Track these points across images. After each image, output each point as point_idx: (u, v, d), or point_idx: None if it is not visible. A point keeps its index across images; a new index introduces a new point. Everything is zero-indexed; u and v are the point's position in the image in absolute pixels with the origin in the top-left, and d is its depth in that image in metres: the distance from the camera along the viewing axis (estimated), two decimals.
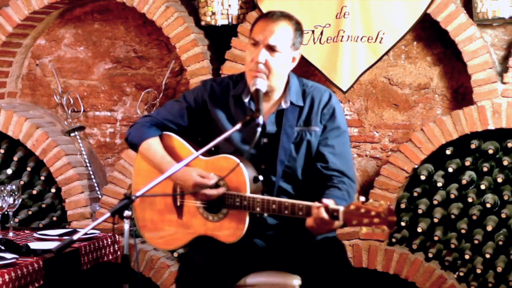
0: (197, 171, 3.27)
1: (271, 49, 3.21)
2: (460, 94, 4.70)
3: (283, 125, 3.30)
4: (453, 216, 4.51)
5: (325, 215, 2.96)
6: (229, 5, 4.79)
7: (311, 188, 3.29)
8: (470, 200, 4.48)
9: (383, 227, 2.85)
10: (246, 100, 3.34)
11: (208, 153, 3.26)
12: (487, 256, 4.43)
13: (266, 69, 3.22)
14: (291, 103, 3.32)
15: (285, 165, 3.31)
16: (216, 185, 3.24)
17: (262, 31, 3.22)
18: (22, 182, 5.19)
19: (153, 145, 3.41)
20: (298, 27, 3.29)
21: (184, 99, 3.45)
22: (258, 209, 3.16)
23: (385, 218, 2.84)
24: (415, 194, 4.61)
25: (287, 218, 3.21)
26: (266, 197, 3.17)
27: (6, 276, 3.09)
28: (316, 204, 3.01)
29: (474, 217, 4.48)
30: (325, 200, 3.00)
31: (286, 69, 3.30)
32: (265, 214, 3.26)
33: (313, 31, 4.65)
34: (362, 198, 2.92)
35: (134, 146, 3.47)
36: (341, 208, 2.94)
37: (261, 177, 3.26)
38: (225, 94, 3.40)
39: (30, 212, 5.18)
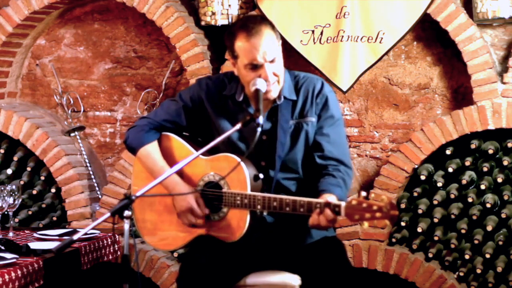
0: (197, 200, 3.28)
1: (271, 61, 3.24)
2: (460, 94, 4.70)
3: (278, 120, 3.31)
4: (453, 216, 4.51)
5: (331, 214, 2.97)
6: (229, 5, 4.79)
7: (312, 183, 3.29)
8: (470, 200, 4.47)
9: (385, 222, 2.86)
10: (240, 99, 3.35)
11: (208, 152, 3.26)
12: (487, 256, 4.43)
13: (275, 77, 3.25)
14: (285, 97, 3.33)
15: (285, 159, 3.31)
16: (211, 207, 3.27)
17: (257, 53, 3.20)
18: (22, 182, 5.19)
19: (152, 152, 3.41)
20: (272, 23, 3.30)
21: (180, 98, 3.45)
22: (259, 206, 3.16)
23: (387, 212, 2.84)
24: (415, 194, 4.61)
25: (287, 217, 3.22)
26: (267, 194, 3.17)
27: (6, 276, 3.09)
28: (318, 200, 3.01)
29: (474, 217, 4.47)
30: (328, 197, 3.00)
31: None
32: (265, 213, 3.26)
33: (313, 31, 4.65)
34: (364, 193, 2.92)
35: (133, 150, 3.47)
36: (343, 204, 2.95)
37: (261, 175, 3.27)
38: (221, 91, 3.41)
39: (30, 212, 5.18)
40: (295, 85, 3.37)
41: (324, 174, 3.23)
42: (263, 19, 3.31)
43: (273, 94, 3.28)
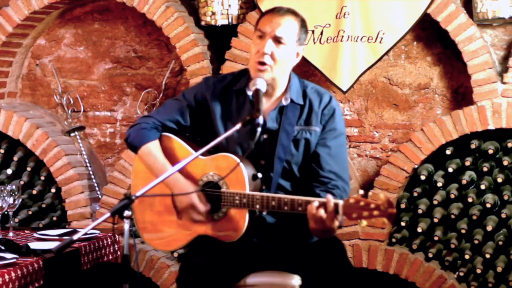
0: (198, 195, 3.28)
1: (277, 40, 3.26)
2: (460, 94, 4.70)
3: (282, 122, 3.32)
4: (453, 216, 4.51)
5: (323, 213, 2.96)
6: (229, 5, 4.79)
7: (308, 185, 3.30)
8: (470, 200, 4.47)
9: (383, 220, 2.86)
10: (250, 93, 3.34)
11: (207, 152, 3.26)
12: (487, 256, 4.43)
13: (271, 60, 3.26)
14: (292, 100, 3.33)
15: (284, 162, 3.31)
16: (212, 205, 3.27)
17: (270, 23, 3.27)
18: (22, 182, 5.19)
19: (153, 150, 3.41)
20: (303, 24, 3.35)
21: (183, 97, 3.45)
22: (257, 206, 3.16)
23: (385, 210, 2.85)
24: (415, 194, 4.61)
25: (286, 217, 3.22)
26: (265, 194, 3.18)
27: (6, 276, 3.09)
28: (316, 199, 3.02)
29: (474, 217, 4.47)
30: (328, 196, 3.01)
31: (289, 63, 3.33)
32: (264, 213, 3.26)
33: (313, 31, 4.65)
34: (361, 192, 2.93)
35: (134, 149, 3.47)
36: (341, 202, 2.95)
37: (260, 175, 3.27)
38: (226, 90, 3.41)
39: (30, 212, 5.18)
40: (303, 93, 3.38)
41: (323, 190, 3.24)
42: (297, 13, 3.35)
43: (258, 83, 3.24)
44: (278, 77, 3.30)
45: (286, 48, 3.27)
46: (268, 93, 3.31)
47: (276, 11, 3.32)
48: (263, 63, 3.25)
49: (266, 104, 3.33)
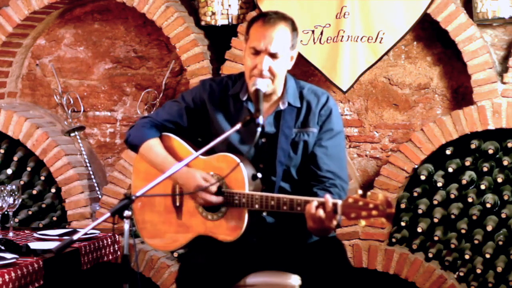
0: (201, 174, 3.27)
1: (273, 55, 3.24)
2: (460, 94, 4.70)
3: (281, 126, 3.31)
4: (453, 216, 4.51)
5: (322, 213, 2.97)
6: (229, 5, 4.79)
7: (307, 185, 3.30)
8: (470, 200, 4.47)
9: (381, 220, 2.86)
10: (244, 98, 3.35)
11: (207, 153, 3.26)
12: (487, 256, 4.43)
13: (270, 74, 3.25)
14: (289, 104, 3.33)
15: (284, 165, 3.31)
16: (218, 190, 3.24)
17: (263, 39, 3.23)
18: (22, 182, 5.19)
19: (154, 146, 3.41)
20: (294, 27, 3.32)
21: (182, 100, 3.46)
22: (257, 206, 3.17)
23: (384, 210, 2.85)
24: (415, 194, 4.61)
25: (286, 217, 3.22)
26: (264, 193, 3.18)
27: (6, 276, 3.09)
28: (315, 198, 3.02)
29: (474, 217, 4.48)
30: (327, 196, 3.01)
31: (286, 69, 3.33)
32: (264, 213, 3.27)
33: (313, 31, 4.65)
34: (360, 191, 2.93)
35: (135, 147, 3.47)
36: (339, 202, 2.95)
37: (259, 175, 3.28)
38: (224, 93, 3.41)
39: (30, 212, 5.18)
40: (300, 94, 3.37)
41: (321, 188, 3.24)
42: (286, 17, 3.31)
43: (258, 83, 3.25)
44: (277, 85, 3.31)
45: (282, 60, 3.26)
46: (265, 98, 3.31)
47: (266, 21, 3.26)
48: (262, 76, 3.24)
49: (263, 108, 3.32)
